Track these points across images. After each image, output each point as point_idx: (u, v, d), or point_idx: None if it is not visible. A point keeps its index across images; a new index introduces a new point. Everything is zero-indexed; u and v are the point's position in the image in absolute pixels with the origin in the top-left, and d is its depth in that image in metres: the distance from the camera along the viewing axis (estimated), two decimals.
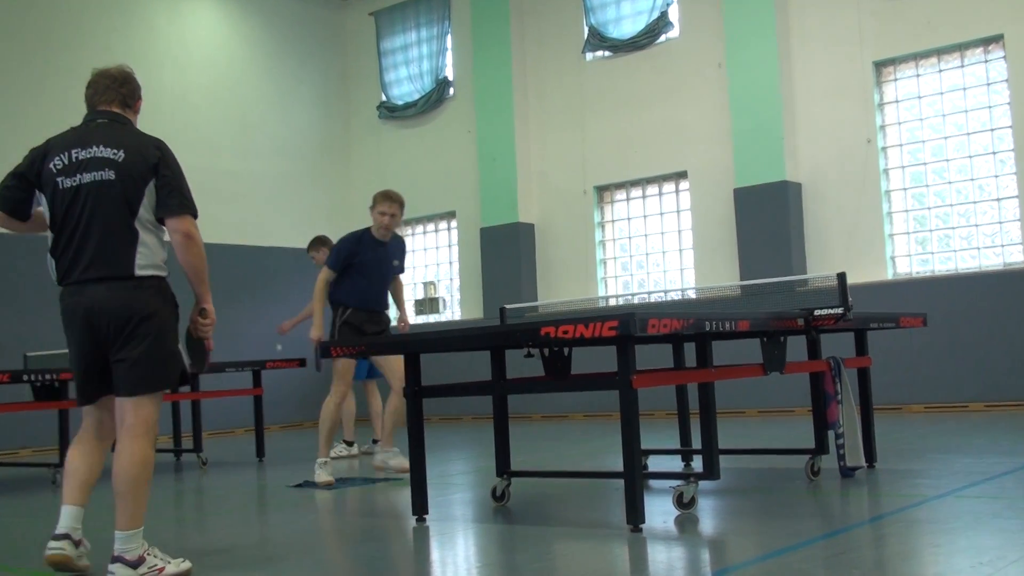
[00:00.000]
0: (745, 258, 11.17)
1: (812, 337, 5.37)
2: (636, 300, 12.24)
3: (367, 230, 6.48)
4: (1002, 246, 10.15)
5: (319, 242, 9.12)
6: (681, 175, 12.15)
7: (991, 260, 10.23)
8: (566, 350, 4.38)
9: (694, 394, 5.09)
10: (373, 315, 6.47)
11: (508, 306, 6.55)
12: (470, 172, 13.81)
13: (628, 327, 3.78)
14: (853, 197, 10.80)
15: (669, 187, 12.31)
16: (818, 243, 10.98)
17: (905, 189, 10.66)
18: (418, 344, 4.56)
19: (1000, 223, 10.17)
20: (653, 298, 12.20)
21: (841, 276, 5.14)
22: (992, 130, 10.23)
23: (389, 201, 6.38)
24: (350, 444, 8.77)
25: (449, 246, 14.33)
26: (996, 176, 10.20)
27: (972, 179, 10.33)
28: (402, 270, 6.75)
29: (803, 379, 5.93)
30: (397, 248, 6.64)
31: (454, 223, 14.21)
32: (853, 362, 5.78)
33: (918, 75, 10.66)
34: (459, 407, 13.10)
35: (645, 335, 3.91)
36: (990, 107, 10.25)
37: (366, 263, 6.42)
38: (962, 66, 10.41)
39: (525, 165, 13.28)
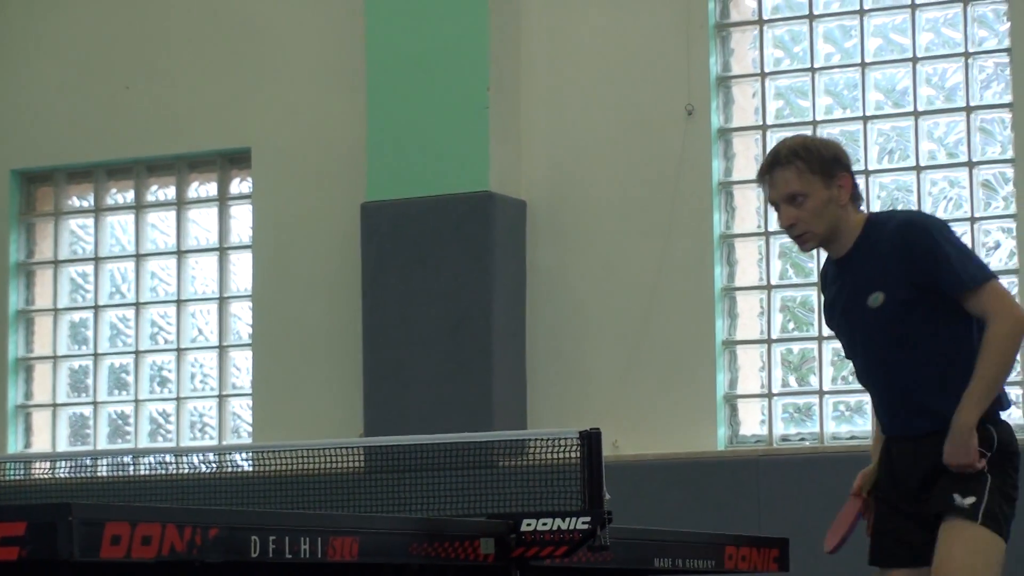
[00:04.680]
0: (375, 375, 12.02)
1: None
2: (104, 471, 12.88)
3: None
4: None
5: None
6: (236, 158, 13.18)
7: None
8: None
9: None
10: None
11: None
12: None
13: (47, 542, 4.11)
14: (652, 242, 11.89)
15: (205, 185, 13.24)
16: (558, 348, 12.00)
17: (768, 234, 11.84)
18: None
19: None
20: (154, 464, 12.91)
21: (589, 438, 5.67)
22: (974, 108, 11.54)
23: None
24: None
25: None
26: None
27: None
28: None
29: None
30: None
31: None
32: None
33: None
34: None
35: (95, 560, 4.24)
36: (975, 54, 11.60)
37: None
38: None
39: None
